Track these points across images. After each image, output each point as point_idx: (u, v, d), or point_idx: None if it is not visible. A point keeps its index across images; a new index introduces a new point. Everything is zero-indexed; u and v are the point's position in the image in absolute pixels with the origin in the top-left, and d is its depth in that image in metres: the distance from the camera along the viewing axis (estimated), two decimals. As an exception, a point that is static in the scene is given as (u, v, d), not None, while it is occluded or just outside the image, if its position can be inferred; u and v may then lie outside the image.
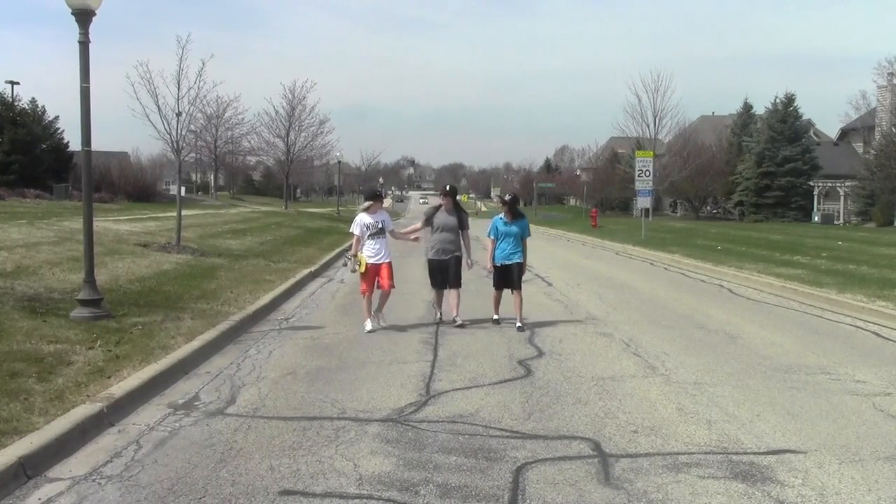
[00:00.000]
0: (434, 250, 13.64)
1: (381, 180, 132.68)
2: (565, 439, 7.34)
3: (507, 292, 13.57)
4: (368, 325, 12.78)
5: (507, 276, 13.48)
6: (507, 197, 14.12)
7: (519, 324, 13.09)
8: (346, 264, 13.41)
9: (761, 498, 5.93)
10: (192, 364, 10.09)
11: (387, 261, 13.05)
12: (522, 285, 13.63)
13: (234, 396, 8.72)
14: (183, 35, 23.75)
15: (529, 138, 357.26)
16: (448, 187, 14.36)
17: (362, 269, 12.85)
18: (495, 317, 13.60)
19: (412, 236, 14.45)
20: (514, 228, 13.51)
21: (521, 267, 13.54)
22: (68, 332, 10.76)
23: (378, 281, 13.03)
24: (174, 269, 18.88)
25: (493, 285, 13.74)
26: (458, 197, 14.29)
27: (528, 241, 13.92)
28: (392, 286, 13.13)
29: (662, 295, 18.45)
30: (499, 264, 13.53)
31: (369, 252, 12.98)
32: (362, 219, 13.12)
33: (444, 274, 13.57)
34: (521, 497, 5.91)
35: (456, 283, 13.60)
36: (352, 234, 13.40)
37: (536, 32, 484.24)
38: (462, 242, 13.69)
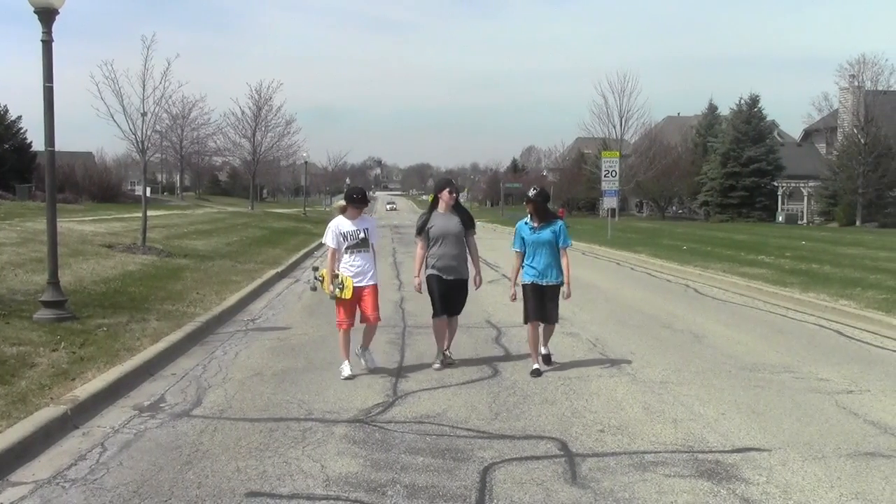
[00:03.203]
0: (436, 267, 10.13)
1: (347, 180, 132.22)
2: (532, 439, 7.37)
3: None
4: (346, 371, 9.66)
5: (541, 299, 10.03)
6: (532, 192, 10.20)
7: (544, 350, 10.41)
8: (314, 287, 10.37)
9: (726, 496, 5.99)
10: (158, 366, 10.03)
11: (371, 283, 9.91)
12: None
13: (201, 398, 8.68)
14: (148, 35, 23.57)
15: (496, 139, 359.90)
16: (453, 182, 10.75)
17: (347, 294, 9.69)
18: (535, 366, 10.04)
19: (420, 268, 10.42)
20: (544, 235, 10.00)
21: (556, 290, 10.15)
22: (31, 333, 10.65)
23: (360, 311, 9.99)
24: (139, 270, 18.73)
25: (524, 318, 10.17)
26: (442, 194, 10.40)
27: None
28: (378, 318, 10.06)
29: (629, 295, 18.54)
30: (529, 281, 10.03)
31: (347, 271, 9.84)
32: (339, 225, 9.90)
33: (445, 295, 10.21)
34: (488, 497, 5.92)
35: (457, 310, 10.48)
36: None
37: (503, 34, 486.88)
38: (468, 252, 10.33)
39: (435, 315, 10.29)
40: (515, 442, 7.28)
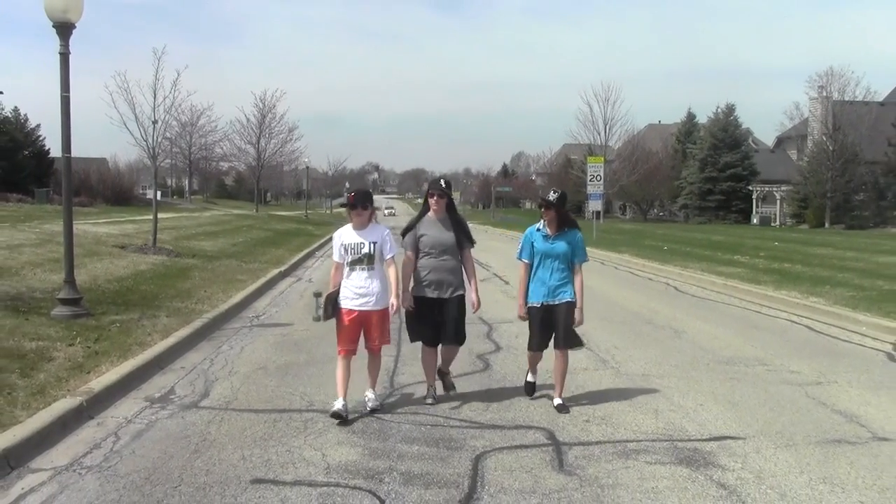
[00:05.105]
0: (424, 283, 8.07)
1: (347, 184, 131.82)
2: (522, 429, 7.38)
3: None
4: (338, 404, 7.53)
5: (550, 324, 8.12)
6: (552, 195, 8.06)
7: (559, 400, 8.09)
8: (318, 317, 7.94)
9: (704, 481, 6.01)
10: (168, 360, 10.03)
11: (380, 307, 7.79)
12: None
13: (208, 390, 8.68)
14: (159, 47, 23.54)
15: (488, 145, 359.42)
16: (443, 182, 8.37)
17: (321, 311, 7.79)
18: (529, 378, 8.52)
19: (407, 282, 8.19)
20: (560, 246, 8.03)
21: (570, 310, 8.07)
22: (49, 329, 10.64)
23: (365, 339, 7.92)
24: (150, 269, 18.70)
25: (529, 343, 8.36)
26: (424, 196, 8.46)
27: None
28: (385, 342, 8.07)
29: (612, 293, 18.55)
30: (537, 303, 8.13)
31: (351, 290, 7.73)
32: (342, 237, 7.81)
33: (438, 321, 8.12)
34: (479, 483, 5.94)
35: (457, 338, 8.24)
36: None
37: (495, 46, 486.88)
38: (464, 268, 8.29)
39: (419, 340, 8.43)
40: (506, 432, 7.29)
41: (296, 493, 5.71)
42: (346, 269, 7.77)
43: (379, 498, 5.66)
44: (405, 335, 11.81)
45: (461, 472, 6.17)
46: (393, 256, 7.86)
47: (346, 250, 7.73)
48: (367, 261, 7.70)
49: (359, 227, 7.76)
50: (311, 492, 5.75)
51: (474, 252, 8.58)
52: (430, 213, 8.22)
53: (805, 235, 45.06)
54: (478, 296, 8.34)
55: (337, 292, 7.81)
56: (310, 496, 5.67)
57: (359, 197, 7.78)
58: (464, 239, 8.22)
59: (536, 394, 8.56)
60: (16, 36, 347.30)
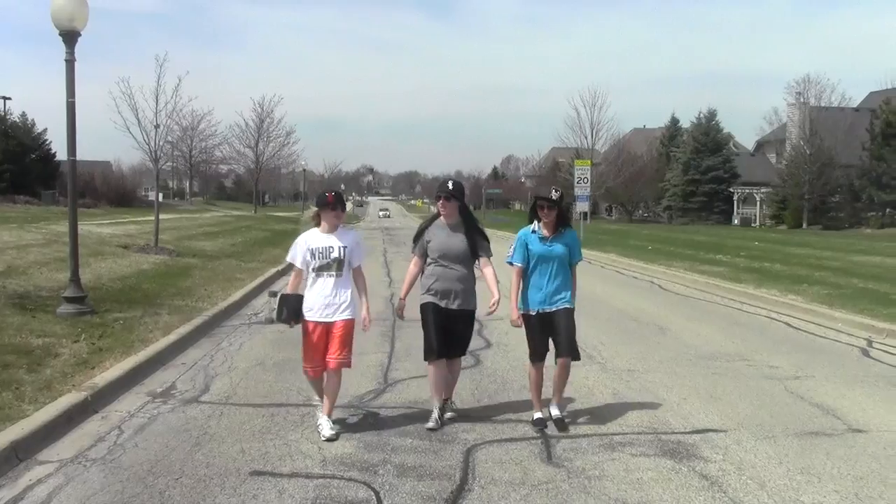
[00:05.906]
0: (430, 291, 7.27)
1: (342, 186, 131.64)
2: (511, 422, 7.38)
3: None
4: (326, 429, 6.78)
5: (550, 332, 7.32)
6: (554, 194, 7.24)
7: (557, 411, 7.38)
8: (271, 318, 7.04)
9: (687, 473, 6.02)
10: (169, 356, 10.00)
11: (344, 317, 6.91)
12: None
13: (208, 385, 8.66)
14: (161, 54, 23.53)
15: (479, 148, 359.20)
16: (451, 185, 7.39)
17: (274, 311, 6.99)
18: (537, 415, 7.31)
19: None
20: (557, 248, 7.28)
21: (570, 315, 7.36)
22: (55, 326, 10.62)
23: (327, 353, 6.93)
24: (152, 268, 18.67)
25: (530, 353, 7.41)
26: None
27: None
28: (345, 363, 6.98)
29: (599, 291, 18.54)
30: (533, 311, 7.34)
31: (316, 300, 6.94)
32: (307, 240, 7.05)
33: (446, 331, 7.24)
34: (471, 475, 5.94)
35: (460, 350, 7.57)
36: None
37: (486, 53, 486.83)
38: (484, 278, 7.41)
39: (428, 356, 7.29)
40: (496, 425, 7.30)
41: (293, 485, 5.70)
42: (312, 276, 6.97)
43: (373, 489, 5.65)
44: (399, 332, 11.87)
45: (453, 465, 6.18)
46: (360, 266, 7.22)
47: (312, 255, 6.94)
48: (335, 267, 6.91)
49: (330, 231, 7.01)
50: (308, 483, 5.75)
51: None
52: (441, 218, 7.39)
53: (784, 236, 45.22)
54: (499, 295, 7.31)
55: (294, 296, 7.04)
56: (306, 488, 5.66)
57: (337, 197, 7.00)
58: (478, 248, 7.35)
59: (526, 389, 8.19)
60: (24, 43, 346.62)
